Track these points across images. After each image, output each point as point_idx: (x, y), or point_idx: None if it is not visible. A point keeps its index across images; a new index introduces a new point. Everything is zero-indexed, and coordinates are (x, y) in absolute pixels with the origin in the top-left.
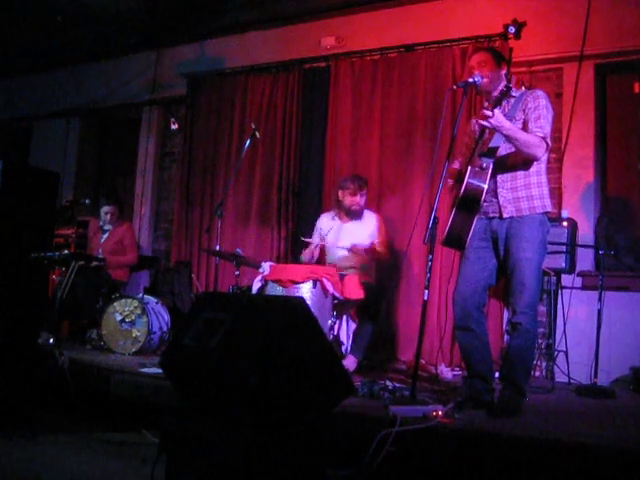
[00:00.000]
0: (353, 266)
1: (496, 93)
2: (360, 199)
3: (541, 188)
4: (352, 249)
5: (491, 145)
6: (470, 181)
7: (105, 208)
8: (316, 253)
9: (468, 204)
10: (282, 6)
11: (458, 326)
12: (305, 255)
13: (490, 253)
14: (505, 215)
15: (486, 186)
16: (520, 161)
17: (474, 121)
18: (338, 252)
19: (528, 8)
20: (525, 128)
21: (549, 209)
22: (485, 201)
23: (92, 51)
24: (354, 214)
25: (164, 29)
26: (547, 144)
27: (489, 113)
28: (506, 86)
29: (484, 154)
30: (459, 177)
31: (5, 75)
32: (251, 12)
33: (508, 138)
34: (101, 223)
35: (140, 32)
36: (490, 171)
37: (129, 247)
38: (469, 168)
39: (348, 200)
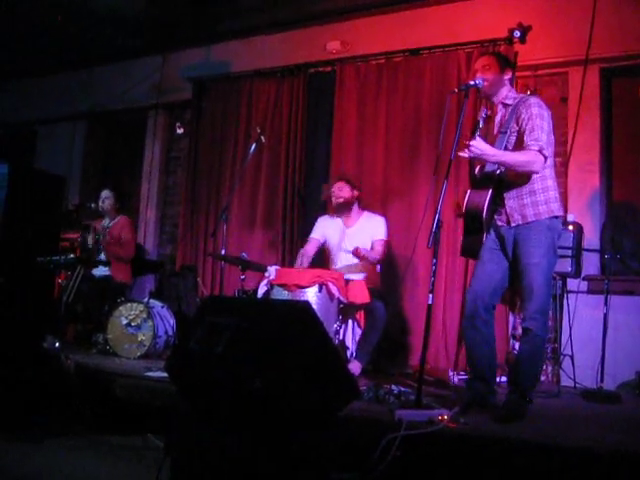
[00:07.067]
0: (358, 271)
1: (499, 97)
2: (339, 192)
3: (547, 193)
4: (355, 252)
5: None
6: (471, 199)
7: (103, 193)
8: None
9: (471, 220)
10: (287, 10)
11: (465, 324)
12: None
13: (502, 256)
14: (512, 223)
15: (486, 202)
16: (520, 173)
17: None
18: (342, 258)
19: (533, 12)
20: (521, 139)
21: (557, 213)
22: (495, 213)
23: (98, 55)
24: (340, 207)
25: (170, 33)
26: (544, 156)
27: (471, 143)
28: (485, 113)
29: (484, 174)
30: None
31: (11, 78)
32: (257, 16)
33: (497, 164)
34: (105, 221)
35: (146, 36)
36: (491, 189)
37: (126, 243)
38: (468, 192)
39: (333, 195)
